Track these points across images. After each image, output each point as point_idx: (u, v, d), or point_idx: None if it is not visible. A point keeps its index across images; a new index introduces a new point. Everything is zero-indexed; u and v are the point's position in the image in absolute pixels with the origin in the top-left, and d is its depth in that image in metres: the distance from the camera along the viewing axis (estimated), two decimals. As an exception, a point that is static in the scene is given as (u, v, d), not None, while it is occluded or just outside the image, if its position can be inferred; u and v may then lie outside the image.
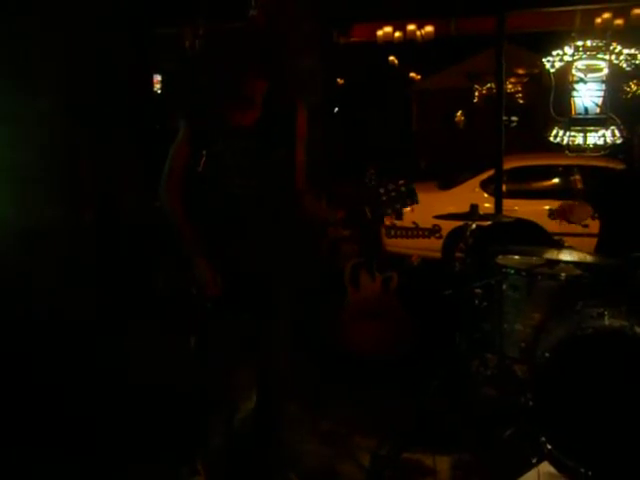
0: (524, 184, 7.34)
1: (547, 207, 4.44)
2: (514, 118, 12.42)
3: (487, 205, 6.72)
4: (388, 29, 6.59)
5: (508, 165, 7.63)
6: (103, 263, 4.38)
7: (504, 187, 7.29)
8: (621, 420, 2.83)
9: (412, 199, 2.44)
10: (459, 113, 13.50)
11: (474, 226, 3.59)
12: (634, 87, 10.01)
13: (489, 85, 11.58)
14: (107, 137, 4.55)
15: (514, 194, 7.18)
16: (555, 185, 7.22)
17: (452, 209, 4.21)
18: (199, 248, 2.58)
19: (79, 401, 3.48)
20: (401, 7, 4.99)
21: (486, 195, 6.92)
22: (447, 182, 7.71)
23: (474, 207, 3.58)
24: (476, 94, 12.58)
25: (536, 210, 6.32)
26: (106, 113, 4.53)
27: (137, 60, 5.05)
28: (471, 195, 6.84)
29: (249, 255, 2.57)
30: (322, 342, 4.26)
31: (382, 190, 2.40)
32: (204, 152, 2.55)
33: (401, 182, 2.41)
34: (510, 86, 12.09)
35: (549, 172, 7.32)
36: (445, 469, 3.06)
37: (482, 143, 9.01)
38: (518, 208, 6.67)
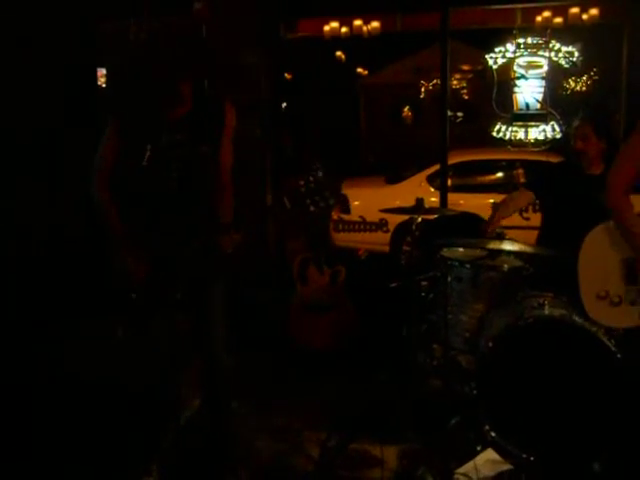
0: (469, 178, 7.48)
1: (491, 200, 4.56)
2: (459, 114, 12.62)
3: (433, 199, 6.80)
4: (335, 24, 6.59)
5: (453, 160, 7.77)
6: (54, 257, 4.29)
7: (449, 181, 7.43)
8: (560, 406, 2.93)
9: (332, 192, 2.44)
10: (406, 108, 13.64)
11: (420, 219, 3.63)
12: (573, 83, 10.31)
13: (435, 80, 11.74)
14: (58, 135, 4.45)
15: (459, 188, 7.31)
16: (499, 179, 7.37)
17: (399, 203, 4.28)
18: (125, 238, 2.59)
19: (23, 402, 3.40)
20: (347, 2, 5.02)
21: (432, 189, 7.02)
22: (394, 177, 7.79)
23: (420, 201, 3.63)
24: (422, 89, 12.74)
25: (480, 204, 6.45)
26: (55, 111, 4.44)
27: (84, 54, 4.95)
28: (417, 189, 6.92)
29: (177, 246, 2.56)
30: (271, 336, 4.27)
31: (302, 182, 2.41)
32: (148, 146, 2.53)
33: (320, 174, 2.42)
34: (455, 82, 12.28)
35: (493, 166, 7.47)
36: (392, 459, 3.10)
37: (429, 138, 9.15)
38: (463, 202, 6.79)
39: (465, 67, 11.60)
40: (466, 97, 12.29)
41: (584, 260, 2.61)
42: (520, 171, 6.80)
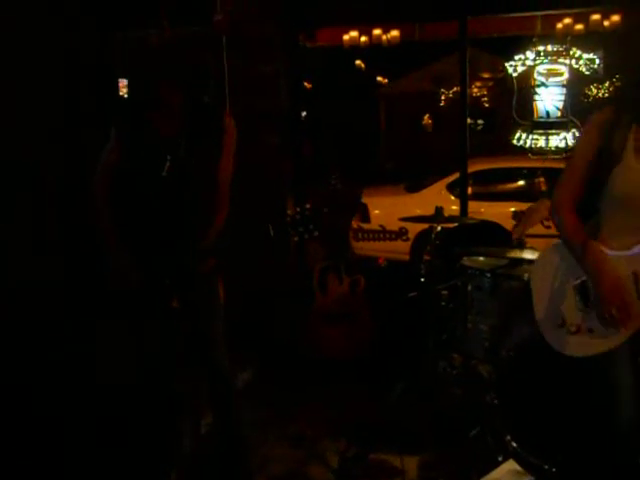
0: (489, 186, 7.45)
1: (512, 209, 4.53)
2: (480, 121, 12.60)
3: (454, 207, 6.77)
4: (354, 33, 6.61)
5: (474, 168, 7.75)
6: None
7: (470, 190, 7.40)
8: (582, 418, 2.89)
9: (315, 224, 2.42)
10: (426, 116, 13.62)
11: (439, 228, 3.63)
12: (595, 91, 10.23)
13: (455, 89, 11.72)
14: (76, 139, 4.49)
15: (480, 196, 7.29)
16: (519, 187, 7.33)
17: (419, 211, 4.28)
18: (120, 244, 2.61)
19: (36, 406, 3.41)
20: (366, 12, 5.03)
21: (452, 197, 7.00)
22: (414, 185, 7.78)
23: (439, 209, 3.63)
24: (442, 98, 12.73)
25: (501, 212, 6.42)
26: (73, 116, 4.48)
27: (104, 62, 5.01)
28: (438, 197, 6.91)
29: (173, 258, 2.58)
30: (291, 345, 4.27)
31: (290, 212, 2.42)
32: (169, 157, 2.55)
33: (308, 206, 2.41)
34: (475, 90, 12.26)
35: (514, 174, 7.43)
36: (412, 469, 3.09)
37: (449, 146, 9.13)
38: (484, 210, 6.76)
39: (485, 75, 11.58)
40: (486, 105, 12.26)
41: (536, 282, 2.41)
42: (541, 179, 6.74)
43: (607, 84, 9.78)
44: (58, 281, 4.01)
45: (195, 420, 3.27)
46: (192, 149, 2.57)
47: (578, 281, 2.24)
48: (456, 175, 7.44)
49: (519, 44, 5.52)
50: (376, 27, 6.68)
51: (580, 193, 2.25)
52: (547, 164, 6.53)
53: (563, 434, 2.91)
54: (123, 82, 6.26)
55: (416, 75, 13.05)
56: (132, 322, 2.74)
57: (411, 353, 3.70)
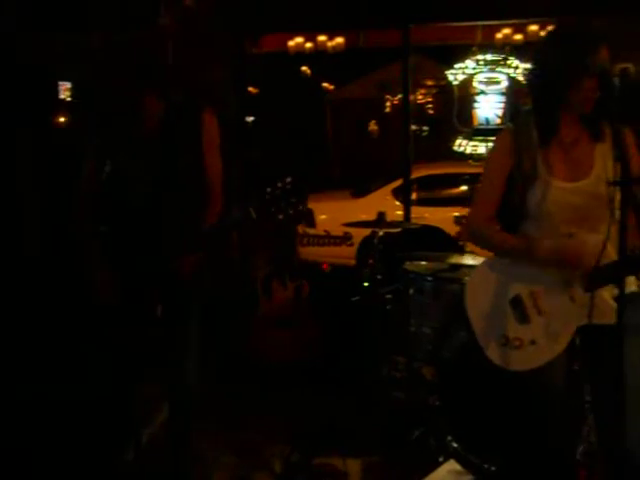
0: (433, 192, 7.57)
1: (455, 214, 4.61)
2: (425, 128, 12.78)
3: (399, 212, 6.85)
4: (299, 40, 6.67)
5: (418, 173, 7.87)
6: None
7: (414, 195, 7.53)
8: (519, 418, 2.96)
9: (298, 196, 2.37)
10: (372, 122, 13.75)
11: (382, 233, 3.67)
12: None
13: (400, 95, 11.86)
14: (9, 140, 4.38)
15: (424, 202, 7.41)
16: (463, 193, 7.46)
17: (364, 217, 4.29)
18: (98, 255, 2.58)
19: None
20: (310, 19, 5.07)
21: (397, 203, 7.09)
22: (360, 190, 7.85)
23: (381, 215, 3.67)
24: (388, 104, 12.87)
25: (445, 217, 6.52)
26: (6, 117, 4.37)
27: (41, 63, 4.90)
28: (383, 203, 6.99)
29: (154, 264, 2.55)
30: (235, 351, 4.25)
31: (269, 189, 2.37)
32: (148, 160, 2.54)
33: (288, 180, 2.37)
34: (420, 97, 12.44)
35: (457, 180, 7.57)
36: (356, 472, 3.11)
37: (395, 152, 9.23)
38: (428, 215, 6.87)
39: (429, 82, 11.77)
40: (431, 112, 12.46)
41: (472, 300, 2.40)
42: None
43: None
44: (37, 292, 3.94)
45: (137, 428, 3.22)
46: (171, 150, 2.54)
47: (512, 296, 2.26)
48: (401, 180, 7.55)
49: (463, 53, 5.66)
50: (321, 34, 6.75)
51: (493, 212, 2.28)
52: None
53: (502, 434, 2.98)
54: (65, 85, 6.13)
55: (362, 81, 13.15)
56: (112, 333, 2.67)
57: (355, 357, 3.73)
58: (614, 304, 2.03)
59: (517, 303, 2.24)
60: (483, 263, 2.44)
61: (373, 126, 13.69)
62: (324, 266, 5.84)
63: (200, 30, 5.07)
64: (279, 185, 2.36)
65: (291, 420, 3.57)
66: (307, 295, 4.26)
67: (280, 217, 2.37)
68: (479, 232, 2.31)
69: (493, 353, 2.32)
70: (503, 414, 2.95)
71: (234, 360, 4.18)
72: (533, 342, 2.20)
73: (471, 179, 7.30)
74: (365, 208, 6.75)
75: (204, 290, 2.72)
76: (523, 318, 2.23)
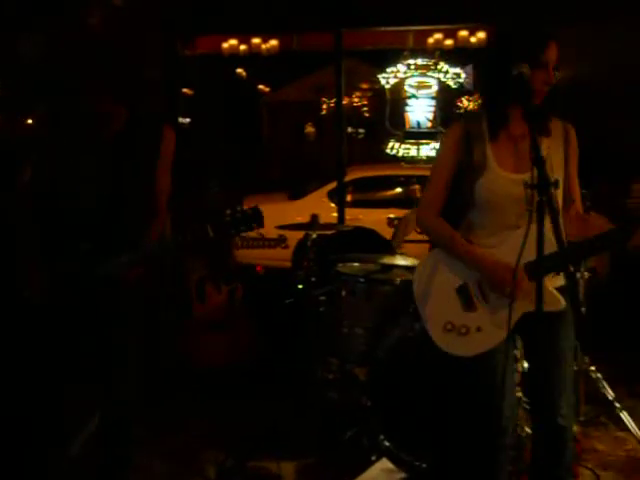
0: (368, 194, 7.65)
1: (391, 215, 4.67)
2: (361, 130, 12.92)
3: (334, 214, 6.91)
4: (233, 42, 6.64)
5: (353, 176, 7.95)
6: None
7: (349, 197, 7.60)
8: (447, 415, 3.03)
9: (258, 222, 2.42)
10: (309, 125, 13.80)
11: (315, 236, 3.69)
12: (466, 102, 10.78)
13: (335, 98, 11.99)
14: None
15: (359, 203, 7.48)
16: (397, 195, 7.57)
17: (300, 219, 4.31)
18: (31, 251, 2.51)
19: None
20: (242, 21, 5.06)
21: (333, 205, 7.13)
22: (296, 192, 7.86)
23: (314, 217, 3.69)
24: (324, 107, 12.95)
25: (379, 219, 6.60)
26: None
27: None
28: (319, 205, 7.02)
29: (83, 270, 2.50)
30: (169, 355, 4.19)
31: (228, 211, 2.38)
32: (99, 165, 2.48)
33: (253, 206, 2.40)
34: (356, 100, 12.57)
35: (391, 182, 7.67)
36: (290, 474, 3.11)
37: (331, 154, 9.29)
38: (362, 217, 6.93)
39: (364, 85, 11.90)
40: (367, 115, 12.59)
41: (420, 290, 2.48)
42: (417, 187, 7.00)
43: (477, 97, 10.35)
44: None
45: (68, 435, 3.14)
46: (127, 158, 2.49)
47: (459, 284, 2.35)
48: (336, 182, 7.60)
49: (397, 57, 5.75)
50: (255, 36, 6.74)
51: (442, 204, 2.37)
52: (422, 172, 6.84)
53: (433, 431, 3.04)
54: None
55: (298, 84, 13.20)
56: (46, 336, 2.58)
57: (289, 359, 3.74)
58: (555, 292, 2.21)
59: (464, 291, 2.33)
60: (432, 253, 2.50)
61: (310, 128, 13.75)
62: (258, 269, 5.82)
63: (131, 30, 4.99)
64: (238, 209, 2.38)
65: (225, 424, 3.55)
66: (241, 298, 4.25)
67: (237, 241, 2.39)
68: (430, 226, 2.40)
69: (440, 339, 2.39)
70: (435, 411, 3.03)
71: (167, 363, 4.12)
72: (479, 329, 2.29)
73: (405, 181, 7.44)
74: (301, 210, 6.75)
75: (145, 298, 2.68)
76: (469, 306, 2.32)
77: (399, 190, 7.56)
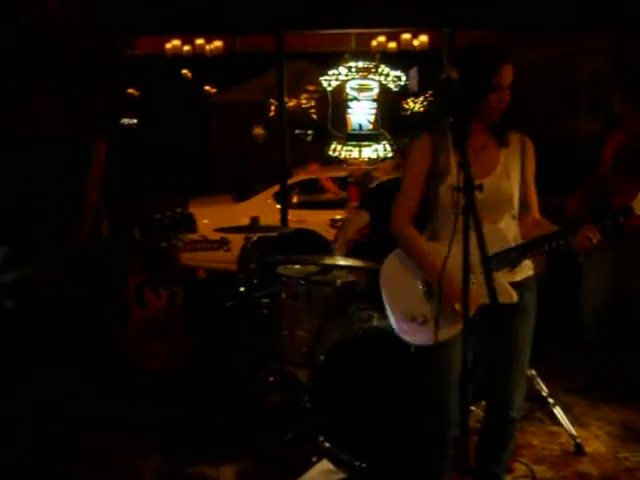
0: (314, 195, 7.67)
1: (338, 217, 4.70)
2: (310, 132, 12.94)
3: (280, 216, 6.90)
4: (176, 42, 6.58)
5: (299, 177, 7.96)
6: None
7: (296, 198, 7.61)
8: (388, 415, 3.07)
9: (187, 228, 2.41)
10: (258, 127, 13.75)
11: (255, 238, 3.68)
12: (412, 104, 10.92)
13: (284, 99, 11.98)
14: None
15: (305, 205, 7.49)
16: (343, 196, 7.60)
17: (245, 221, 4.25)
18: None
19: None
20: (182, 22, 5.01)
21: (279, 206, 7.11)
22: (242, 194, 7.83)
23: (254, 219, 3.68)
24: (272, 108, 12.93)
25: (325, 220, 6.65)
26: None
27: None
28: (264, 206, 7.00)
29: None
30: (108, 361, 4.12)
31: (158, 215, 2.36)
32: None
33: (178, 210, 2.38)
34: (304, 101, 12.59)
35: (338, 183, 7.70)
36: (229, 478, 3.10)
37: (279, 156, 9.27)
38: (309, 218, 6.94)
39: (312, 87, 11.93)
40: (315, 116, 12.62)
41: (386, 286, 2.65)
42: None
43: (422, 98, 10.51)
44: None
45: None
46: (55, 161, 2.45)
47: (422, 277, 2.51)
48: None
49: (358, 58, 5.76)
50: (199, 37, 6.69)
51: (415, 209, 2.54)
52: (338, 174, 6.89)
53: (373, 431, 3.07)
54: None
55: (246, 85, 13.15)
56: None
57: (230, 362, 3.72)
58: (508, 286, 2.38)
59: (427, 284, 2.48)
60: (395, 253, 2.64)
61: (258, 130, 13.70)
62: (199, 272, 5.76)
63: (66, 32, 4.90)
64: (168, 214, 2.35)
65: (164, 428, 3.50)
66: (181, 302, 4.20)
67: (164, 245, 2.37)
68: (403, 235, 2.54)
69: (403, 331, 2.56)
70: (375, 412, 3.06)
71: (107, 369, 4.05)
72: (437, 319, 2.40)
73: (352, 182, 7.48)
74: (246, 212, 6.71)
75: (60, 299, 2.64)
76: (431, 297, 2.46)
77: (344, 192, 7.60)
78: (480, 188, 1.96)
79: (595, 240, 2.26)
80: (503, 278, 2.40)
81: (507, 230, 2.44)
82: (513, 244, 2.42)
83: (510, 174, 2.45)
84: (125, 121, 13.02)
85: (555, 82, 6.30)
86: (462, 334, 2.25)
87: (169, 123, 11.34)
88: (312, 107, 12.45)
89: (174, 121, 11.50)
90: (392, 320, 2.60)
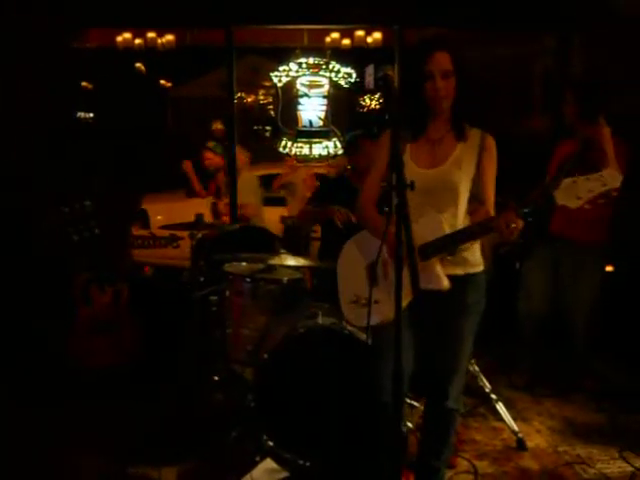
0: (268, 191, 7.61)
1: (286, 214, 4.66)
2: (268, 127, 12.83)
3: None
4: (127, 35, 6.46)
5: (256, 173, 7.89)
6: None
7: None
8: (331, 412, 3.06)
9: (99, 221, 2.34)
10: (217, 122, 13.58)
11: (200, 235, 3.64)
12: (368, 101, 10.93)
13: (240, 94, 11.86)
14: None
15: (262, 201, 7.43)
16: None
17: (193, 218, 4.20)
18: None
19: None
20: (130, 15, 4.91)
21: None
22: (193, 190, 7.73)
23: (199, 217, 3.64)
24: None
25: (277, 218, 6.60)
26: None
27: None
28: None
29: None
30: (54, 359, 4.04)
31: (66, 209, 2.30)
32: None
33: (87, 203, 2.32)
34: (262, 97, 12.50)
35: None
36: (171, 478, 3.06)
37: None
38: (267, 215, 6.88)
39: (268, 83, 11.84)
40: (272, 112, 12.53)
41: (340, 271, 2.81)
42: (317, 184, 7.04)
43: (378, 95, 10.51)
44: None
45: None
46: None
47: (368, 262, 2.63)
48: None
49: (304, 55, 5.72)
50: (150, 30, 6.58)
51: (376, 195, 2.66)
52: (321, 170, 6.88)
53: (317, 429, 3.06)
54: None
55: (203, 80, 12.98)
56: None
57: (176, 361, 3.67)
58: (441, 274, 2.43)
59: (371, 269, 2.60)
60: (352, 239, 2.80)
61: (217, 125, 13.53)
62: (145, 269, 5.68)
63: (18, 21, 4.78)
64: (77, 205, 2.29)
65: (107, 428, 3.44)
66: (127, 299, 4.13)
67: (75, 238, 2.31)
68: (366, 217, 2.68)
69: (347, 312, 2.74)
70: (317, 410, 3.05)
71: (52, 367, 3.97)
72: (377, 302, 2.50)
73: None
74: (198, 209, 6.65)
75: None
76: (374, 281, 2.56)
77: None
78: (412, 186, 1.95)
79: (515, 227, 2.25)
80: (439, 267, 2.44)
81: (454, 220, 2.48)
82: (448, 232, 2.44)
83: (462, 167, 2.50)
84: (81, 115, 12.80)
85: (515, 80, 6.38)
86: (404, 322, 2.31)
87: (125, 117, 11.15)
88: (270, 103, 12.36)
89: (130, 115, 11.30)
90: (341, 302, 2.75)
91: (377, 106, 10.64)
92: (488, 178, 2.57)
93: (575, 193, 2.17)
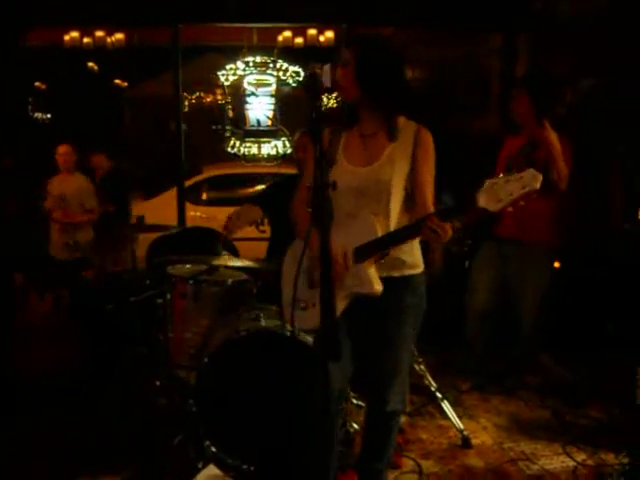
0: (225, 192, 7.56)
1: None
2: (228, 127, 12.73)
3: (191, 213, 6.78)
4: (75, 34, 6.32)
5: (209, 173, 7.84)
6: None
7: (205, 195, 7.49)
8: (274, 415, 3.02)
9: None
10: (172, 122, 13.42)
11: (141, 237, 3.57)
12: (326, 100, 10.90)
13: (197, 94, 11.74)
14: None
15: (215, 202, 7.38)
16: (252, 192, 7.52)
17: (153, 219, 4.11)
18: None
19: None
20: (76, 13, 4.80)
21: (188, 203, 6.97)
22: (150, 191, 7.65)
23: (140, 219, 3.57)
24: (186, 103, 12.65)
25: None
26: None
27: None
28: (172, 204, 6.83)
29: None
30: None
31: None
32: None
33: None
34: (220, 97, 12.39)
35: (247, 180, 7.62)
36: (111, 488, 2.99)
37: (195, 151, 9.11)
38: (220, 215, 6.81)
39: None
40: (231, 112, 12.44)
41: (284, 272, 2.73)
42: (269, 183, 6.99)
43: (336, 94, 10.48)
44: None
45: None
46: None
47: (306, 265, 2.53)
48: (192, 181, 7.46)
49: (260, 53, 5.67)
50: (99, 29, 6.46)
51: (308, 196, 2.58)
52: (276, 170, 6.83)
53: (260, 433, 3.02)
54: None
55: (159, 79, 12.81)
56: None
57: (118, 367, 3.59)
58: (372, 277, 2.38)
59: (308, 272, 2.53)
60: (294, 242, 2.72)
61: (173, 125, 13.38)
62: (85, 273, 5.55)
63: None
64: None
65: (52, 438, 3.35)
66: (67, 305, 4.04)
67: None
68: (293, 214, 2.65)
69: (287, 314, 2.64)
70: (259, 413, 3.01)
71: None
72: (314, 305, 2.45)
73: (261, 179, 7.41)
74: (153, 210, 6.56)
75: None
76: (311, 284, 2.51)
77: (255, 188, 7.51)
78: (334, 186, 1.92)
79: (441, 231, 2.19)
80: (372, 270, 2.39)
81: (387, 221, 2.40)
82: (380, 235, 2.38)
83: (395, 163, 2.41)
84: (38, 116, 12.53)
85: (467, 80, 6.42)
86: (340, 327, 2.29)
87: (81, 118, 10.93)
88: (228, 103, 12.27)
89: (86, 116, 11.09)
90: (283, 305, 2.70)
91: (334, 105, 10.63)
92: (423, 175, 2.46)
93: (496, 195, 2.08)
